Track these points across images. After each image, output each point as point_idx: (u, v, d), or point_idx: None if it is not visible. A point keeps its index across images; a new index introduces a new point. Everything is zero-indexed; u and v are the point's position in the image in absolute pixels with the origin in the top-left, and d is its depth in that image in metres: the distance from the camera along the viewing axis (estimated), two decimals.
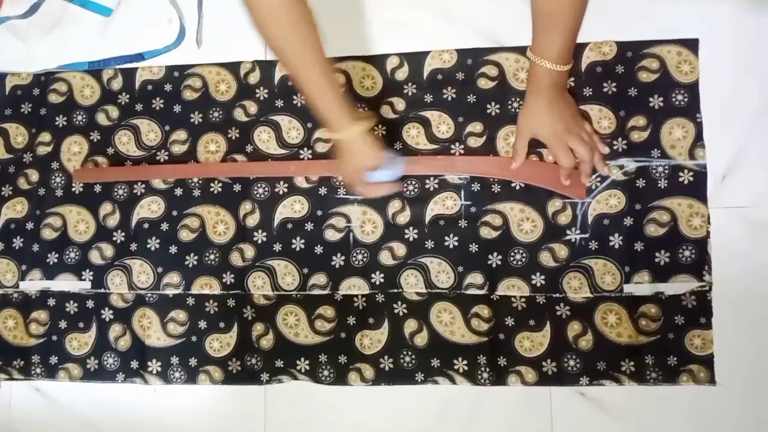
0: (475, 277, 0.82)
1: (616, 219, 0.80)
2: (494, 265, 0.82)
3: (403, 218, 0.84)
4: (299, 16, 0.68)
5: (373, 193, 0.82)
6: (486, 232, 0.82)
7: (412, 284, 0.83)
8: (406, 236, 0.84)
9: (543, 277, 0.81)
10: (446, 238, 0.83)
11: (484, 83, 0.85)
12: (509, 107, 0.84)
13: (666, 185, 0.80)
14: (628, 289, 0.79)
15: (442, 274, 0.83)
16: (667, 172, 0.80)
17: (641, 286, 0.79)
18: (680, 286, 0.79)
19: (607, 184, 0.81)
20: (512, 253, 0.82)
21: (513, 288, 0.81)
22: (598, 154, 0.79)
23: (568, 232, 0.81)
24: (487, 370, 0.81)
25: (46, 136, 0.93)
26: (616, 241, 0.80)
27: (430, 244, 0.83)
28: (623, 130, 0.81)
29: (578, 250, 0.81)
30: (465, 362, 0.82)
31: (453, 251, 0.83)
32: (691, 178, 0.79)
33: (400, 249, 0.84)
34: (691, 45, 0.81)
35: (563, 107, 0.77)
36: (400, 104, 0.86)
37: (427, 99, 0.85)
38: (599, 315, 0.80)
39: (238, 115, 0.89)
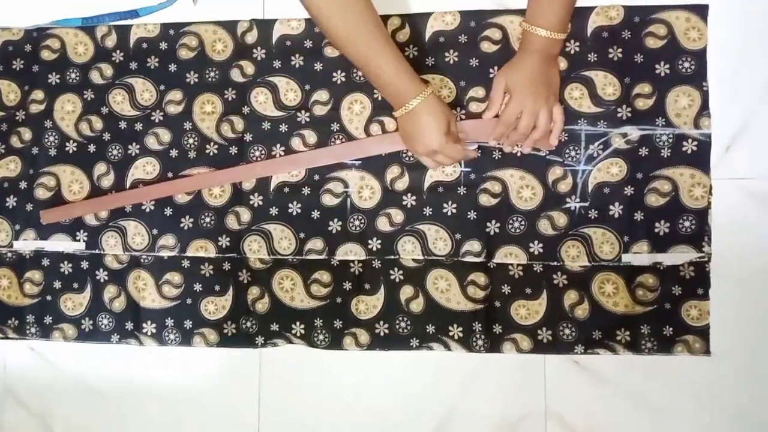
0: (473, 245, 0.81)
1: (617, 188, 0.79)
2: (492, 233, 0.81)
3: (402, 184, 0.83)
4: None
5: (461, 155, 0.79)
6: (485, 200, 0.81)
7: (409, 251, 0.83)
8: (404, 203, 0.83)
9: (541, 245, 0.80)
10: (444, 205, 0.82)
11: (487, 46, 0.83)
12: None
13: (669, 154, 0.79)
14: (626, 258, 0.79)
15: (440, 241, 0.82)
16: (671, 140, 0.79)
17: (640, 256, 0.79)
18: (679, 256, 0.78)
19: (609, 152, 0.79)
20: (511, 221, 0.81)
21: (510, 256, 0.81)
22: (539, 138, 0.78)
23: (567, 200, 0.80)
24: (482, 337, 0.81)
25: (38, 94, 0.91)
26: (616, 210, 0.79)
27: (428, 210, 0.82)
28: (628, 97, 0.79)
29: (577, 219, 0.80)
30: (460, 329, 0.81)
31: (451, 218, 0.82)
32: (695, 148, 0.78)
33: (398, 215, 0.83)
34: (701, 11, 0.79)
35: (545, 76, 0.76)
36: None
37: (428, 62, 0.83)
38: (596, 284, 0.80)
39: (235, 75, 0.87)
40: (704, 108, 0.78)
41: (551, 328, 0.80)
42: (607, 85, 0.80)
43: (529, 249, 0.81)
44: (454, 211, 0.82)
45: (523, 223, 0.81)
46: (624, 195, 0.79)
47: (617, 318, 0.79)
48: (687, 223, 0.78)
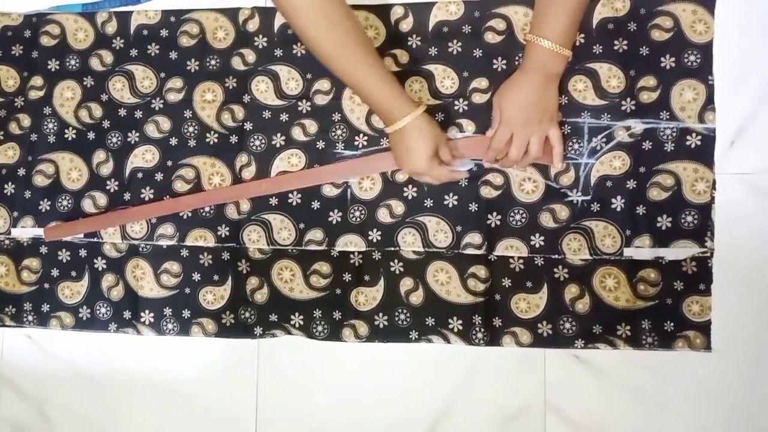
0: (474, 237, 0.81)
1: (620, 181, 0.79)
2: (493, 225, 0.80)
3: (402, 176, 0.82)
4: (336, 13, 0.66)
5: (446, 178, 0.78)
6: (486, 192, 0.81)
7: (409, 243, 0.82)
8: (405, 194, 0.82)
9: (542, 238, 0.80)
10: (446, 196, 0.81)
11: (491, 37, 0.82)
12: (516, 63, 0.81)
13: (672, 148, 0.78)
14: (628, 252, 0.78)
15: (440, 233, 0.81)
16: (675, 134, 0.78)
17: (642, 250, 0.78)
18: (681, 251, 0.77)
19: (612, 145, 0.79)
20: (512, 214, 0.80)
21: (511, 249, 0.80)
22: (532, 161, 0.77)
23: (569, 193, 0.80)
24: (482, 330, 0.80)
25: (38, 81, 0.90)
26: (618, 203, 0.79)
27: (429, 202, 0.82)
28: (632, 90, 0.79)
29: (579, 212, 0.79)
30: (460, 322, 0.81)
31: (452, 210, 0.81)
32: (699, 142, 0.77)
33: (399, 207, 0.82)
34: (708, 3, 0.78)
35: (539, 99, 0.74)
36: (403, 57, 0.83)
37: (431, 52, 0.83)
38: (597, 278, 0.79)
39: (236, 63, 0.86)
40: (709, 102, 0.77)
41: (551, 322, 0.80)
42: (612, 78, 0.79)
43: (530, 242, 0.80)
44: (455, 203, 0.81)
45: (524, 215, 0.80)
46: (626, 189, 0.79)
47: (618, 312, 0.78)
48: (689, 218, 0.78)
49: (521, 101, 0.74)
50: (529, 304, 0.80)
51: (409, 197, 0.82)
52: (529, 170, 0.80)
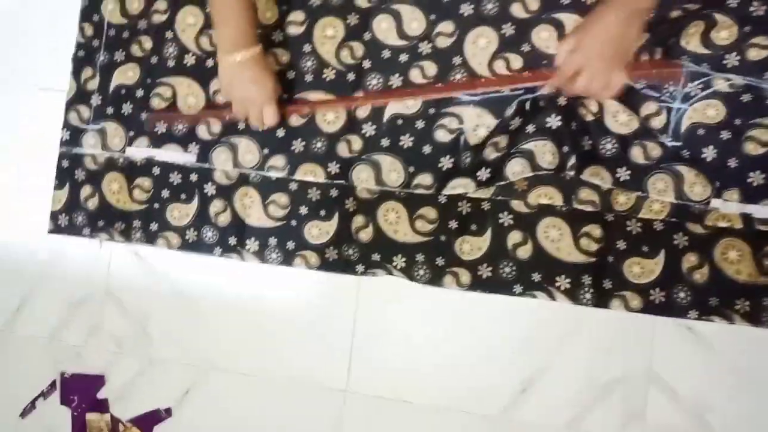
0: (572, 159, 0.76)
1: (712, 131, 0.74)
2: (586, 149, 0.77)
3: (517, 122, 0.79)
4: None
5: (271, 117, 0.82)
6: (583, 113, 0.77)
7: (518, 173, 0.77)
8: (511, 127, 0.79)
9: (629, 172, 0.76)
10: (548, 119, 0.77)
11: None
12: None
13: None
14: (714, 204, 0.74)
15: (548, 154, 0.76)
16: None
17: (729, 204, 0.74)
18: None
19: (708, 92, 0.74)
20: (603, 142, 0.77)
21: (596, 176, 0.76)
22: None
23: (659, 136, 0.76)
24: (591, 291, 0.78)
25: (161, 5, 0.91)
26: (709, 153, 0.74)
27: (530, 128, 0.78)
28: (740, 45, 0.73)
29: (670, 155, 0.75)
30: (568, 280, 0.79)
31: (555, 132, 0.77)
32: None
33: (503, 140, 0.79)
34: None
35: (618, 37, 0.70)
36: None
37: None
38: (719, 249, 0.76)
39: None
40: None
41: (665, 290, 0.77)
42: (723, 29, 0.74)
43: (615, 174, 0.76)
44: (559, 123, 0.77)
45: (615, 145, 0.77)
46: (720, 139, 0.74)
47: (739, 286, 0.75)
48: None
49: (599, 35, 0.71)
50: (643, 269, 0.77)
51: (513, 128, 0.79)
52: (622, 107, 0.76)
